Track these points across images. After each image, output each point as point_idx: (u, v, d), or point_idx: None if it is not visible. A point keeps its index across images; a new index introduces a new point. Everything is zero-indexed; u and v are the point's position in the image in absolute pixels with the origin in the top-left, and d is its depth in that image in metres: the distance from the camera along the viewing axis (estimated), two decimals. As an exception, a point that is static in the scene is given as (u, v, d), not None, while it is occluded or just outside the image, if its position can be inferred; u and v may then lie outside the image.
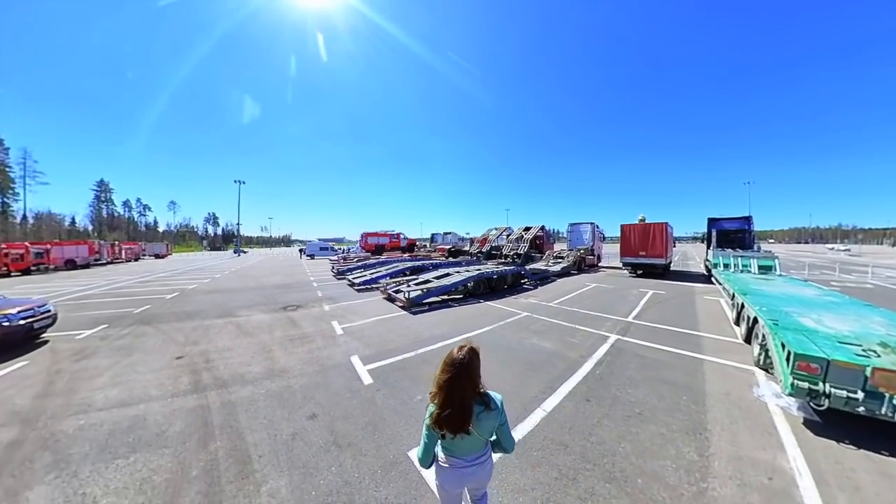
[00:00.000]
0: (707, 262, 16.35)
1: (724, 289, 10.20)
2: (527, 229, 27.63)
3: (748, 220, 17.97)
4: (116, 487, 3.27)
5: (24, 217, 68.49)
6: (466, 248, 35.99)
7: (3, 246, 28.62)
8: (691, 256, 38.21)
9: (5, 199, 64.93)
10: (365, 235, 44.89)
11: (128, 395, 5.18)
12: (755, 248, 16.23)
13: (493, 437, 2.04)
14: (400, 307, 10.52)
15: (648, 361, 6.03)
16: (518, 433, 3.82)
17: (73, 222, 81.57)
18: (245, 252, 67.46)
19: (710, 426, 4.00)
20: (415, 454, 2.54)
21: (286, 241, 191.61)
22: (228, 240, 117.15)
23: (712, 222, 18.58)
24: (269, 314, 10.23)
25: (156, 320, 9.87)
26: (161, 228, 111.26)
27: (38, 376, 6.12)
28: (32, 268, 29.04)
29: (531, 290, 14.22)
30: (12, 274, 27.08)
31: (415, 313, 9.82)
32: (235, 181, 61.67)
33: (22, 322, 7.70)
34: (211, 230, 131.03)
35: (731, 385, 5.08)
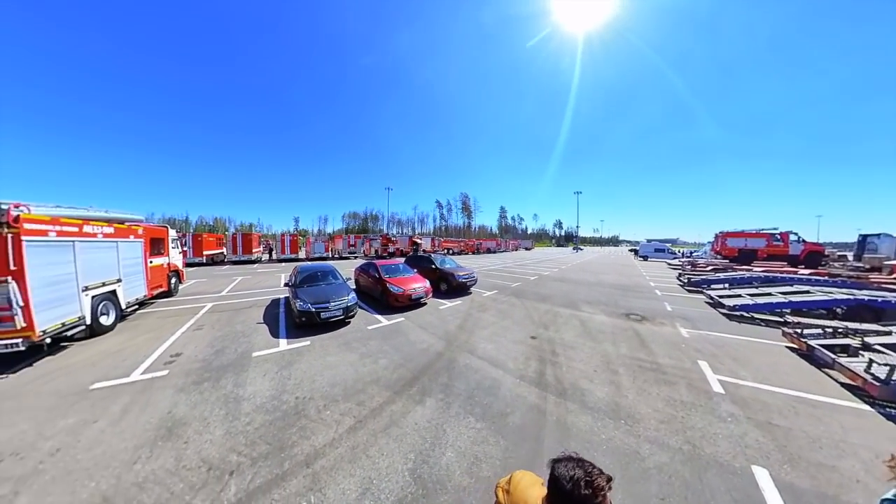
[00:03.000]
0: None
1: None
2: None
3: None
4: (459, 446, 3.05)
5: (475, 228, 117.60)
6: None
7: (468, 241, 51.46)
8: None
9: (470, 221, 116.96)
10: (722, 236, 27.65)
11: (495, 355, 5.56)
12: None
13: None
14: (851, 385, 4.56)
15: None
16: None
17: (490, 229, 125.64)
18: (581, 249, 70.83)
19: None
20: None
21: (614, 241, 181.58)
22: (569, 239, 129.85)
23: None
24: (610, 318, 8.30)
25: (522, 296, 11.24)
26: (529, 231, 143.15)
27: (462, 313, 8.56)
28: (476, 252, 47.61)
29: None
30: (469, 254, 45.21)
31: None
32: (575, 192, 69.40)
33: (464, 280, 11.60)
34: (557, 232, 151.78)
35: None
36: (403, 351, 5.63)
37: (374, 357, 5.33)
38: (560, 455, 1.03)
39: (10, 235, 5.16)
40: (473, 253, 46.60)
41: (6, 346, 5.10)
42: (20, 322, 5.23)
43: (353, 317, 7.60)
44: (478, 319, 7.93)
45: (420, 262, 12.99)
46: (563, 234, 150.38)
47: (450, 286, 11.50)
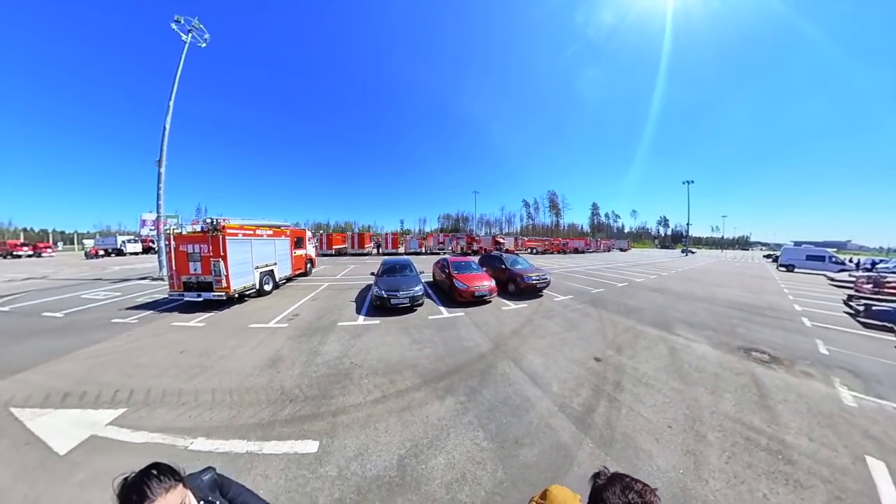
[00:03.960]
0: None
1: None
2: None
3: None
4: (454, 456, 2.70)
5: (564, 226, 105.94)
6: None
7: (553, 240, 47.11)
8: None
9: (558, 219, 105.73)
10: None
11: (541, 371, 4.46)
12: None
13: None
14: None
15: None
16: None
17: (581, 228, 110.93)
18: (693, 252, 53.72)
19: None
20: None
21: (742, 243, 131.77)
22: (677, 239, 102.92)
23: None
24: (718, 350, 5.47)
25: (601, 305, 8.94)
26: (626, 230, 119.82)
27: (523, 317, 7.58)
28: (562, 252, 42.88)
29: None
30: (554, 254, 41.22)
31: None
32: (684, 182, 51.79)
33: (533, 282, 10.31)
34: (662, 231, 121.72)
35: None
36: (449, 345, 5.43)
37: (422, 345, 5.39)
38: (601, 477, 0.88)
39: (220, 236, 7.92)
40: (559, 253, 41.74)
41: (218, 296, 7.92)
42: (224, 284, 7.89)
43: (419, 305, 7.94)
44: (538, 326, 6.73)
45: (491, 262, 12.48)
46: (668, 233, 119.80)
47: (517, 287, 10.45)
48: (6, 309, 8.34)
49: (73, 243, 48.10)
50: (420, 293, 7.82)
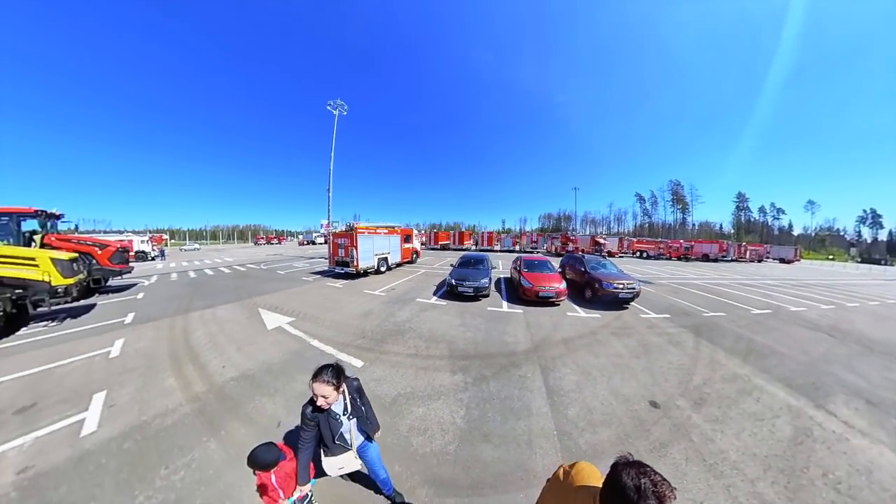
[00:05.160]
0: None
1: None
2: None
3: None
4: (430, 415, 3.11)
5: (693, 225, 77.21)
6: None
7: (670, 243, 34.98)
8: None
9: (685, 216, 77.84)
10: None
11: (568, 390, 3.55)
12: None
13: None
14: None
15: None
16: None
17: (720, 227, 77.91)
18: None
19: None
20: None
21: None
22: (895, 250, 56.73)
23: None
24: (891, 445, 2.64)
25: (707, 335, 5.84)
26: (796, 232, 74.24)
27: (586, 329, 5.95)
28: (684, 258, 31.73)
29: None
30: (672, 260, 31.83)
31: None
32: None
33: (614, 290, 7.95)
34: (867, 233, 68.08)
35: None
36: (491, 336, 5.32)
37: (467, 329, 5.73)
38: (622, 459, 0.85)
39: (354, 234, 11.07)
40: (678, 259, 30.87)
41: (350, 271, 11.17)
42: (354, 264, 10.96)
43: (484, 296, 8.28)
44: (598, 342, 5.18)
45: (572, 263, 11.17)
46: (882, 238, 65.68)
47: (594, 294, 8.59)
48: (265, 267, 14.93)
49: (293, 237, 76.71)
50: (485, 286, 8.11)
